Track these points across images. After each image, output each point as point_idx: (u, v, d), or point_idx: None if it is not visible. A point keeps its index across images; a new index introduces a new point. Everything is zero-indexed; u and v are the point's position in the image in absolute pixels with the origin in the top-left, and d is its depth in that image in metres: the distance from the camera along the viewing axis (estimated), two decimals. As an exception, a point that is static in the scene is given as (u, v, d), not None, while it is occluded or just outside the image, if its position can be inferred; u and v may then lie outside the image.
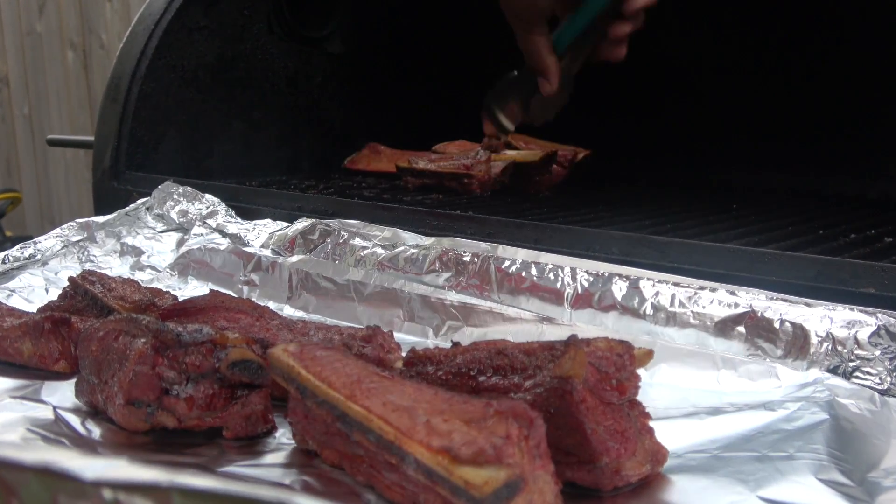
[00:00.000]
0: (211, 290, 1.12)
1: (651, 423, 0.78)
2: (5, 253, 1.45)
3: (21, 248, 1.46)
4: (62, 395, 0.95)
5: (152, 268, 1.47)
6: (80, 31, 5.13)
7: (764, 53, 2.04)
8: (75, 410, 0.91)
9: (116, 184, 1.87)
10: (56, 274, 1.39)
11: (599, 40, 1.48)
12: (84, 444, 0.83)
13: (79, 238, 1.52)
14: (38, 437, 0.83)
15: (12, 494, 0.44)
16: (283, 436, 0.86)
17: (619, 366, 0.76)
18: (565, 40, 1.50)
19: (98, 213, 1.77)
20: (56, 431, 0.85)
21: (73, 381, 0.93)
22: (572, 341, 0.74)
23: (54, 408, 0.91)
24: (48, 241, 1.49)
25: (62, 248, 1.49)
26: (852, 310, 0.96)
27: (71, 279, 1.18)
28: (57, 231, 1.53)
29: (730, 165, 2.05)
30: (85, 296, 1.14)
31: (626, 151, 2.14)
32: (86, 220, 1.55)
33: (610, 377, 0.75)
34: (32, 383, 0.98)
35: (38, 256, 1.45)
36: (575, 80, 1.54)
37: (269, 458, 0.82)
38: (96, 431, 0.86)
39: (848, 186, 1.90)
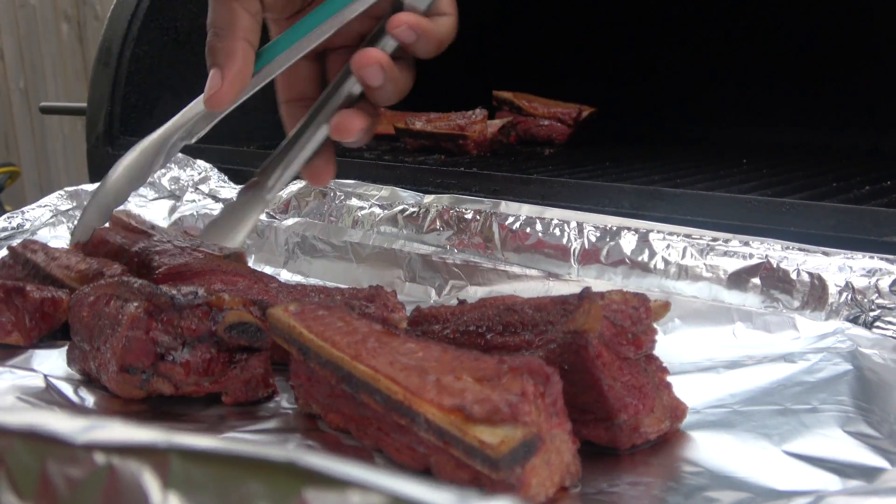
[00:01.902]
0: (206, 254, 1.08)
1: (668, 378, 0.75)
2: (-8, 223, 1.41)
3: (8, 217, 1.43)
4: (53, 363, 0.91)
5: (147, 234, 1.43)
6: (73, 2, 5.07)
7: (768, 5, 1.99)
8: (67, 379, 0.87)
9: (111, 150, 1.83)
10: (47, 243, 1.35)
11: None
12: (77, 412, 0.80)
13: (68, 207, 1.48)
14: (27, 405, 0.80)
15: None
16: (285, 400, 0.83)
17: (635, 319, 0.73)
18: (278, 49, 0.99)
19: (93, 180, 1.73)
20: (47, 399, 0.82)
21: (65, 349, 0.90)
22: (586, 294, 0.71)
23: (45, 376, 0.87)
24: (36, 211, 1.46)
25: (51, 217, 1.45)
26: (872, 258, 0.93)
27: (10, 248, 1.12)
28: (45, 200, 1.49)
29: (737, 121, 2.01)
30: (25, 265, 1.07)
31: (631, 110, 2.10)
32: (75, 188, 1.52)
33: (626, 331, 0.72)
34: (23, 352, 0.94)
35: (27, 226, 1.42)
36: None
37: (272, 423, 0.79)
38: (90, 399, 0.83)
39: (860, 140, 1.87)
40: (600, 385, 0.68)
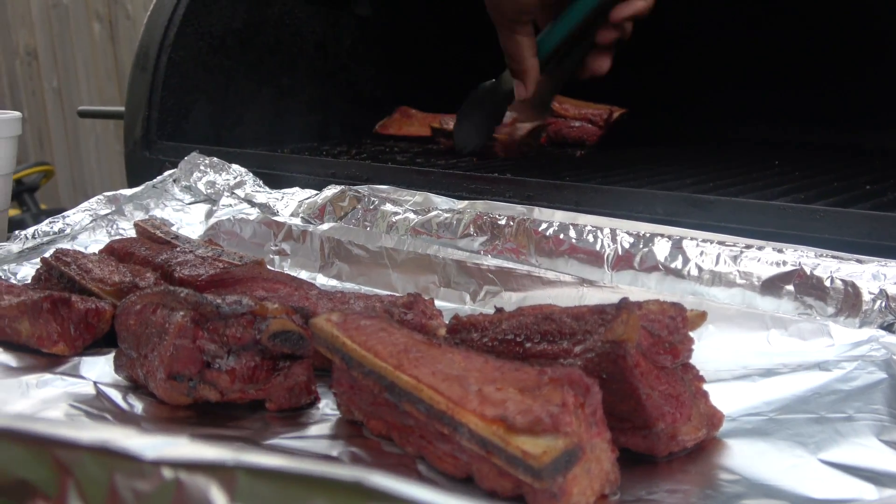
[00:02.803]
0: (226, 263, 1.10)
1: (704, 387, 0.76)
2: (35, 228, 1.44)
3: (50, 222, 1.45)
4: (101, 370, 0.94)
5: (183, 239, 1.45)
6: (105, 1, 5.12)
7: (800, 4, 1.99)
8: (115, 385, 0.89)
9: (148, 154, 1.85)
10: (86, 248, 1.38)
11: (585, 50, 1.51)
12: (128, 420, 0.82)
13: (107, 211, 1.51)
14: (81, 412, 0.82)
15: (68, 474, 0.42)
16: (327, 406, 0.84)
17: (672, 328, 0.74)
18: (550, 43, 1.51)
19: (131, 183, 1.76)
20: (98, 407, 0.84)
21: (111, 356, 0.92)
22: (624, 304, 0.72)
23: (95, 383, 0.90)
24: (77, 215, 1.48)
25: (91, 221, 1.47)
26: (907, 265, 0.93)
27: (43, 260, 1.13)
28: (85, 205, 1.52)
29: (769, 121, 2.01)
30: (61, 278, 1.09)
31: (662, 110, 2.10)
32: (113, 193, 1.54)
33: (663, 340, 0.73)
34: (71, 359, 0.97)
35: (68, 230, 1.45)
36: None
37: (314, 430, 0.80)
38: (138, 406, 0.85)
39: (890, 140, 1.86)
40: (638, 394, 0.70)
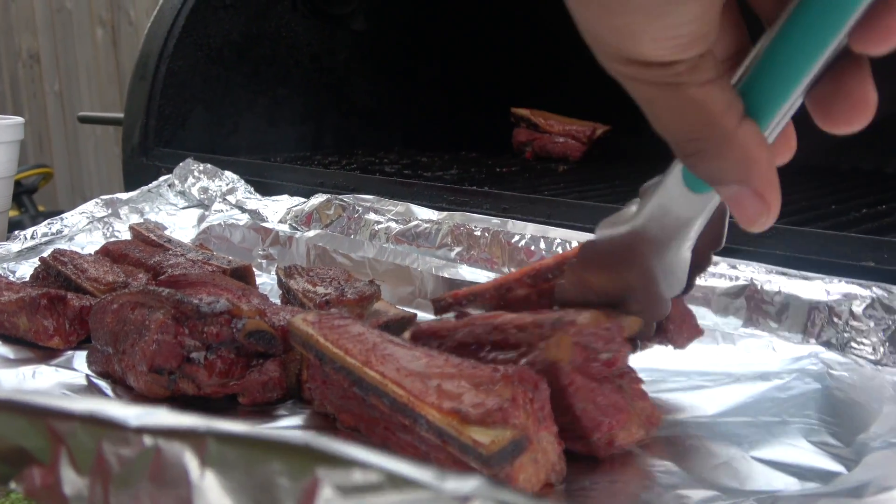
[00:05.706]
0: (216, 267, 1.16)
1: (649, 394, 0.80)
2: (34, 228, 1.50)
3: (48, 223, 1.51)
4: (93, 364, 0.99)
5: (175, 243, 1.51)
6: (108, 7, 5.18)
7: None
8: (105, 377, 0.95)
9: (145, 160, 1.92)
10: (82, 248, 1.43)
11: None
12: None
13: (103, 214, 1.56)
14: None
15: (60, 442, 0.48)
16: (295, 404, 0.90)
17: (608, 339, 0.77)
18: (783, 93, 0.59)
19: (128, 188, 1.81)
20: (89, 395, 0.91)
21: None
22: (558, 325, 0.76)
23: (87, 375, 0.96)
24: (74, 217, 1.54)
25: (88, 223, 1.53)
26: (849, 283, 0.99)
27: (42, 259, 1.19)
28: (82, 207, 1.58)
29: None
30: (58, 277, 1.15)
31: (647, 127, 2.16)
32: (110, 196, 1.60)
33: (598, 352, 0.77)
34: (64, 353, 1.03)
35: (65, 231, 1.50)
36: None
37: (287, 422, 0.87)
38: (125, 397, 0.91)
39: (864, 161, 1.92)
40: (573, 410, 0.74)
